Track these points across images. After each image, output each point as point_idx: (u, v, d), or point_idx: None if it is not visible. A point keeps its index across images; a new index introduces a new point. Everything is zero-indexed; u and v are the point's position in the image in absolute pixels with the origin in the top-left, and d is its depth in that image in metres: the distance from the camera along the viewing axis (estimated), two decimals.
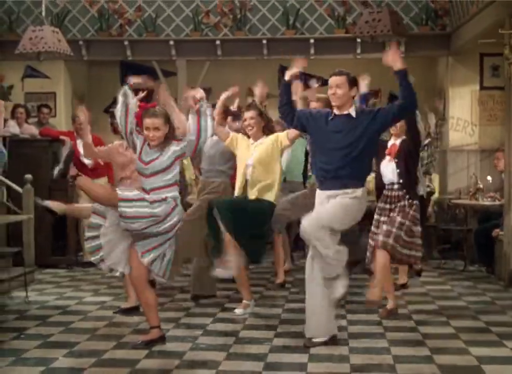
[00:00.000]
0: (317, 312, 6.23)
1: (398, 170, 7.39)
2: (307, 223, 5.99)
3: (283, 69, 13.77)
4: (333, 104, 6.18)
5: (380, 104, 13.70)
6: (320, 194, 6.27)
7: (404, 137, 7.51)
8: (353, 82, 6.20)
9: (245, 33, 12.64)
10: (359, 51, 12.24)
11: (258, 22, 12.70)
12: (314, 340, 6.25)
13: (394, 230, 7.15)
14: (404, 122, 7.32)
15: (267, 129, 7.63)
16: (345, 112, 6.15)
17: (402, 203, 7.29)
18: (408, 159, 7.39)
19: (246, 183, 7.45)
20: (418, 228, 7.31)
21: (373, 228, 7.47)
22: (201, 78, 13.03)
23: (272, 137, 7.52)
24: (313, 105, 7.44)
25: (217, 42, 12.60)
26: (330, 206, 6.09)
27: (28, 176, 9.65)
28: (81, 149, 10.84)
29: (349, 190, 6.09)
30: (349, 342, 6.44)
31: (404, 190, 7.33)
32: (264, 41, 12.49)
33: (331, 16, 12.50)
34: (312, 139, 6.48)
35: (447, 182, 12.06)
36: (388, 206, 7.38)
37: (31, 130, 11.61)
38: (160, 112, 6.20)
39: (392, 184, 7.40)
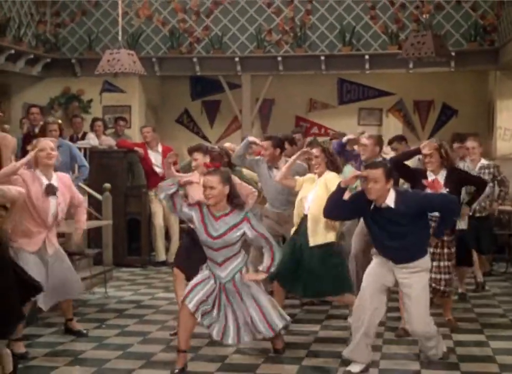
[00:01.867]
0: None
1: None
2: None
3: (342, 82, 14.77)
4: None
5: (433, 114, 14.55)
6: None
7: (444, 170, 7.29)
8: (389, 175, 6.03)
9: (305, 50, 13.54)
10: (411, 66, 13.01)
11: (317, 39, 13.59)
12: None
13: (448, 263, 7.22)
14: (440, 159, 7.28)
15: (331, 164, 7.38)
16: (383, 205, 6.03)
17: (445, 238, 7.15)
18: (455, 192, 7.06)
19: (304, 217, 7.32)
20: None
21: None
22: (264, 91, 13.98)
23: (330, 176, 7.31)
24: (364, 141, 8.04)
25: (279, 58, 13.55)
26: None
27: (107, 185, 10.75)
28: (153, 159, 11.94)
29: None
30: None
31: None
32: (322, 57, 13.38)
33: (385, 33, 13.31)
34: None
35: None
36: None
37: (108, 141, 12.70)
38: (215, 171, 6.18)
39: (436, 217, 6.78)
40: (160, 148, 12.01)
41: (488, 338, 7.23)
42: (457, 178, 7.26)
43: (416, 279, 6.06)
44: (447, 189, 7.06)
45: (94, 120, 13.09)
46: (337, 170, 7.41)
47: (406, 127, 14.69)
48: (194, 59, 13.81)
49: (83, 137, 12.50)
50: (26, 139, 10.27)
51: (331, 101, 15.05)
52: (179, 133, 15.23)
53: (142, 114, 14.58)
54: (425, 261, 6.16)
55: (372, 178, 5.92)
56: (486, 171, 9.65)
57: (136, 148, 12.06)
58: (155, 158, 11.92)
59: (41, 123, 10.54)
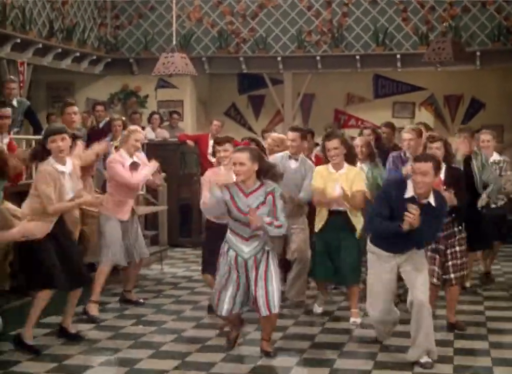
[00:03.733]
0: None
1: None
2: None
3: (377, 78, 15.92)
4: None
5: (462, 107, 15.66)
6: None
7: (444, 165, 6.99)
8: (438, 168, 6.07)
9: (341, 49, 14.78)
10: (438, 64, 14.13)
11: (353, 39, 14.83)
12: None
13: (459, 262, 7.15)
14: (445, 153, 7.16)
15: (349, 156, 7.60)
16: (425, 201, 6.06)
17: (452, 230, 7.14)
18: (456, 188, 6.97)
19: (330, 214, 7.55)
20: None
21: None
22: (304, 87, 15.23)
23: (353, 173, 7.55)
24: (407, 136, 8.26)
25: (318, 57, 14.82)
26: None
27: (163, 174, 12.06)
28: (209, 149, 13.15)
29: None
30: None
31: (453, 217, 7.07)
32: (357, 56, 14.61)
33: (415, 34, 14.48)
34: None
35: None
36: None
37: (163, 133, 14.05)
38: (245, 148, 6.35)
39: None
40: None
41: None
42: (455, 174, 7.11)
43: (415, 255, 6.27)
44: (444, 187, 6.82)
45: (152, 114, 14.44)
46: (354, 162, 7.67)
47: (437, 120, 15.86)
48: (241, 58, 15.13)
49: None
50: (92, 133, 11.63)
51: (367, 95, 16.25)
52: (227, 125, 16.43)
53: (193, 107, 15.94)
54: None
55: (422, 171, 5.86)
56: (497, 166, 9.42)
57: (188, 141, 13.25)
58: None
59: (107, 119, 11.95)
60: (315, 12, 14.95)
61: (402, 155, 8.53)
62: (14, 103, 9.90)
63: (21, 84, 12.58)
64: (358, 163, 8.00)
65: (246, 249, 6.24)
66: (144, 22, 15.61)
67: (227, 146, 7.49)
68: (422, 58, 12.09)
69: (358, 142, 8.42)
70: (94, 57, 14.97)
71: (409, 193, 5.99)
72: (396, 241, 6.14)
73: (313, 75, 15.26)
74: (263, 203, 6.16)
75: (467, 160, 8.24)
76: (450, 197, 6.63)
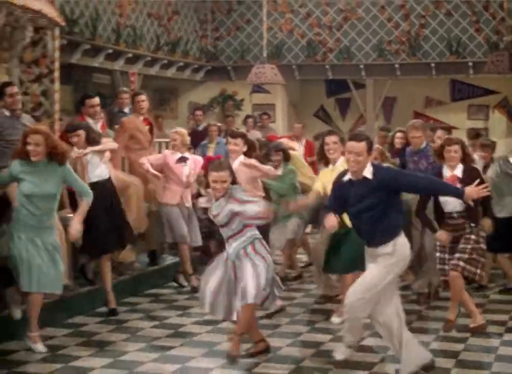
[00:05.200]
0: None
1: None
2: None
3: (453, 82, 17.21)
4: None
5: None
6: None
7: (461, 165, 7.26)
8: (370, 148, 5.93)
9: (418, 58, 16.18)
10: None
11: (429, 48, 16.18)
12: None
13: (466, 256, 7.08)
14: (461, 152, 7.28)
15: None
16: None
17: (468, 230, 7.15)
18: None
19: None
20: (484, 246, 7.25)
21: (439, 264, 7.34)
22: (384, 91, 16.73)
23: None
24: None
25: (396, 65, 16.27)
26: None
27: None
28: (296, 148, 14.61)
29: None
30: None
31: (469, 217, 7.14)
32: (433, 64, 15.98)
33: (487, 43, 15.72)
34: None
35: None
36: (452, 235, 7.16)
37: (256, 135, 15.64)
38: (225, 165, 6.20)
39: (457, 212, 7.14)
40: (303, 142, 14.72)
41: None
42: (474, 174, 7.04)
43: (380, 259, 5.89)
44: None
45: (247, 117, 16.10)
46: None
47: (510, 122, 17.03)
48: (327, 66, 16.72)
49: None
50: (192, 134, 13.35)
51: (444, 98, 17.59)
52: (316, 126, 18.11)
53: (285, 110, 17.62)
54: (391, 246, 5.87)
55: (355, 152, 5.77)
56: None
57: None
58: (298, 148, 14.60)
59: (205, 124, 13.67)
60: (394, 24, 16.38)
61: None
62: (126, 110, 11.71)
63: (132, 92, 14.52)
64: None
65: (230, 250, 6.23)
66: (240, 33, 17.34)
67: (239, 140, 7.93)
68: (483, 70, 13.38)
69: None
70: (196, 66, 16.85)
71: (347, 177, 5.93)
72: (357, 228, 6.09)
73: (394, 80, 16.68)
74: (219, 214, 6.18)
75: None
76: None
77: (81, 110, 9.66)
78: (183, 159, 9.48)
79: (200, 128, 13.91)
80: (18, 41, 9.49)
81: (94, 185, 7.61)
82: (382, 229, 5.80)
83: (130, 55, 14.39)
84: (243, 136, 8.09)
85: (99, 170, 8.08)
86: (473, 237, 7.14)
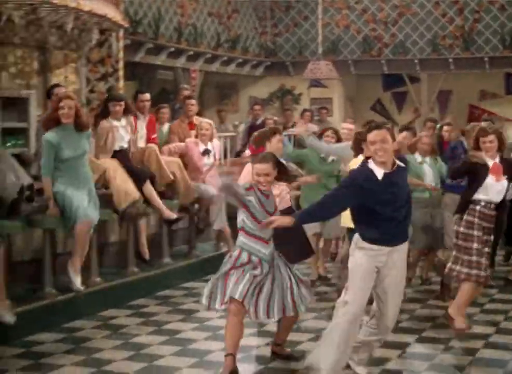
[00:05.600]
0: None
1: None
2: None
3: (508, 76, 17.48)
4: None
5: None
6: None
7: (497, 156, 6.98)
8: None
9: (472, 52, 16.49)
10: None
11: (483, 43, 16.48)
12: None
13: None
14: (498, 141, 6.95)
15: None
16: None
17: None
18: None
19: None
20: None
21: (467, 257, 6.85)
22: (439, 85, 17.14)
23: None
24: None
25: (450, 59, 16.62)
26: None
27: None
28: None
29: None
30: None
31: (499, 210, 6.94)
32: (486, 58, 16.29)
33: None
34: None
35: None
36: (485, 225, 6.88)
37: (313, 128, 16.22)
38: (269, 158, 5.94)
39: (492, 203, 6.87)
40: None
41: None
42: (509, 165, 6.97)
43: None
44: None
45: (304, 110, 16.63)
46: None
47: None
48: (382, 61, 17.16)
49: (292, 126, 16.16)
50: (251, 128, 13.98)
51: (499, 91, 17.86)
52: (373, 118, 18.54)
53: (341, 104, 18.13)
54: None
55: (380, 139, 5.37)
56: None
57: None
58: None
59: (262, 118, 14.26)
60: (448, 19, 16.72)
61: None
62: None
63: (193, 88, 15.26)
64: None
65: (267, 251, 5.96)
66: (298, 29, 17.90)
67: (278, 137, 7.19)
68: None
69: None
70: (255, 61, 17.48)
71: (379, 173, 5.41)
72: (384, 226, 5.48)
73: (448, 74, 17.04)
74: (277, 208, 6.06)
75: None
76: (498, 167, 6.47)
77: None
78: (207, 152, 9.92)
79: (258, 121, 14.46)
80: (86, 43, 10.29)
81: (116, 152, 8.92)
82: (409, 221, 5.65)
83: (191, 52, 15.10)
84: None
85: (123, 141, 9.08)
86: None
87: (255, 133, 7.18)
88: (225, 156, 13.05)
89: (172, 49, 14.57)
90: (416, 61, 16.89)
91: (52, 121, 7.50)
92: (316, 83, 17.68)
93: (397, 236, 5.49)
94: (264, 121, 13.77)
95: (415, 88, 17.51)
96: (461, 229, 6.84)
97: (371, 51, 17.30)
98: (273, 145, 6.89)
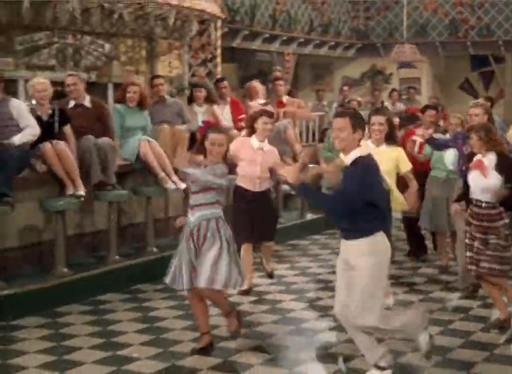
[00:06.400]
0: None
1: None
2: None
3: None
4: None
5: None
6: None
7: (493, 152, 6.58)
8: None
9: None
10: None
11: None
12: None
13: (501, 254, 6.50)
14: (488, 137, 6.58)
15: (390, 136, 7.31)
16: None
17: (498, 223, 6.51)
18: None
19: None
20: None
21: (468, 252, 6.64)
22: None
23: (394, 155, 7.32)
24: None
25: None
26: None
27: None
28: None
29: None
30: None
31: (499, 209, 6.55)
32: None
33: None
34: None
35: None
36: (480, 223, 6.57)
37: (400, 107, 17.28)
38: (223, 129, 6.24)
39: (485, 202, 6.53)
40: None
41: None
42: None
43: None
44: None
45: (392, 90, 17.69)
46: (394, 142, 7.39)
47: None
48: (468, 43, 18.03)
49: (381, 105, 17.21)
50: (340, 108, 15.09)
51: None
52: (462, 98, 19.41)
53: (429, 83, 19.12)
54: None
55: (337, 127, 5.20)
56: None
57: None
58: None
59: (347, 99, 15.38)
60: None
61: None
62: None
63: (287, 70, 16.62)
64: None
65: (192, 218, 5.98)
66: (389, 13, 18.93)
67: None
68: None
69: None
70: (347, 44, 18.64)
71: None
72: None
73: None
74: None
75: None
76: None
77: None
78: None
79: (346, 100, 15.65)
80: (187, 33, 11.64)
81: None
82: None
83: (285, 37, 16.40)
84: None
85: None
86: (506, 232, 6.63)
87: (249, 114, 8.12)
88: (313, 135, 14.13)
89: (267, 35, 15.91)
90: (500, 42, 17.68)
91: (121, 99, 9.10)
92: (404, 64, 18.70)
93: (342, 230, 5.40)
94: (349, 101, 14.90)
95: (500, 69, 18.30)
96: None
97: (458, 33, 18.16)
98: (259, 126, 7.76)
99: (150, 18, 10.60)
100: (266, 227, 7.89)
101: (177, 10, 10.57)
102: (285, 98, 11.99)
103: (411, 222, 9.26)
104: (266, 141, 7.89)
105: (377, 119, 7.25)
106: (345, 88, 16.14)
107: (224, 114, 10.91)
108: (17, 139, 7.55)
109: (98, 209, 8.62)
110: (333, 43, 18.11)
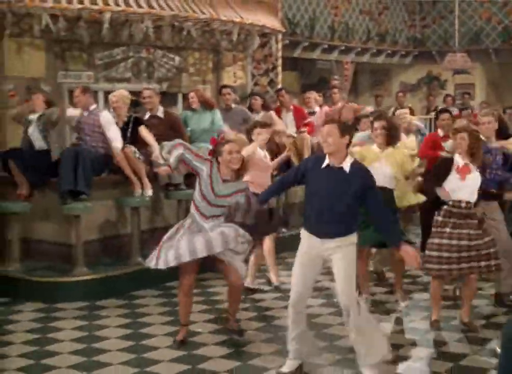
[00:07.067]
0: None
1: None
2: None
3: None
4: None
5: None
6: None
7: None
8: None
9: None
10: None
11: None
12: None
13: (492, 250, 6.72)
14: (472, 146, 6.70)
15: (391, 137, 7.46)
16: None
17: (474, 220, 6.72)
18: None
19: None
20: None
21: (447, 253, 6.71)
22: None
23: (399, 158, 7.48)
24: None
25: None
26: None
27: None
28: None
29: None
30: None
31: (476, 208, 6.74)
32: None
33: None
34: None
35: None
36: (456, 221, 6.72)
37: (453, 111, 17.92)
38: (239, 137, 6.71)
39: (465, 202, 6.68)
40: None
41: None
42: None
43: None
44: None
45: (446, 96, 18.27)
46: (394, 144, 7.53)
47: None
48: None
49: (434, 110, 17.93)
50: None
51: None
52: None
53: (483, 89, 19.74)
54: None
55: (326, 132, 5.49)
56: None
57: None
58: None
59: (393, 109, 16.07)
60: None
61: None
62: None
63: (346, 78, 17.53)
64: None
65: (207, 226, 6.29)
66: (444, 21, 19.68)
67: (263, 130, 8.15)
68: None
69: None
70: (403, 52, 19.48)
71: (325, 163, 5.56)
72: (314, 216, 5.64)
73: None
74: (236, 193, 6.32)
75: None
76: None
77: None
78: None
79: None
80: (250, 46, 12.50)
81: None
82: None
83: (343, 47, 17.35)
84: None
85: None
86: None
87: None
88: None
89: (326, 46, 16.85)
90: None
91: (188, 107, 10.23)
92: (459, 70, 19.35)
93: (322, 229, 5.55)
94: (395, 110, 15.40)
95: None
96: None
97: (511, 40, 18.79)
98: (254, 137, 8.02)
99: (216, 33, 11.50)
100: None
101: (240, 26, 11.56)
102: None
103: (427, 215, 8.01)
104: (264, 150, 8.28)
105: (379, 124, 7.44)
106: (400, 94, 16.77)
107: (287, 120, 11.58)
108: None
109: (168, 207, 9.47)
110: (389, 51, 18.94)
